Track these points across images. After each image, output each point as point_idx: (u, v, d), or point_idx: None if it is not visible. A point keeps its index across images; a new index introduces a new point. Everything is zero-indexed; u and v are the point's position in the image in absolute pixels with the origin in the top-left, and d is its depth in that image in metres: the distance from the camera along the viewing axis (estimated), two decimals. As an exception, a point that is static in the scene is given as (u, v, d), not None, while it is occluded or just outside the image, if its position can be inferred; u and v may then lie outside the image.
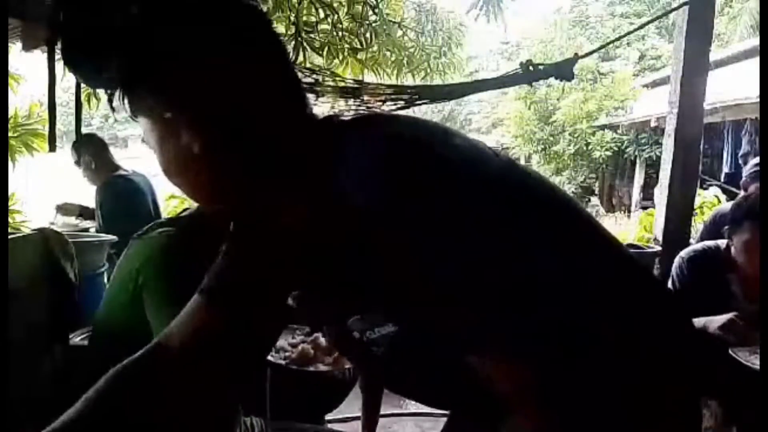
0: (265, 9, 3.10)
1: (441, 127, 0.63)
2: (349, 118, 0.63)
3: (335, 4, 3.30)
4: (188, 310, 0.64)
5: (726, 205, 2.95)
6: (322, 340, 1.68)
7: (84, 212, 2.86)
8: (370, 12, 3.55)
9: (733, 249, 1.75)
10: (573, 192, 10.70)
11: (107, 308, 1.24)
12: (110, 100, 0.63)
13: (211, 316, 0.63)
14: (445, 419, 0.96)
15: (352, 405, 2.28)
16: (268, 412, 1.46)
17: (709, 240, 2.05)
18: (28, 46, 2.32)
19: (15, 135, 2.87)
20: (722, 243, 1.84)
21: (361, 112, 2.85)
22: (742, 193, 2.76)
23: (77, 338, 1.65)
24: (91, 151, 2.62)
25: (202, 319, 0.63)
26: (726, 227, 1.80)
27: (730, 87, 6.08)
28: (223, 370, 0.64)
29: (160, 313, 1.10)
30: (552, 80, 2.35)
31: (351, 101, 2.75)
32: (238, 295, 0.63)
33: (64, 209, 2.87)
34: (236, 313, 0.63)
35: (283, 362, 1.60)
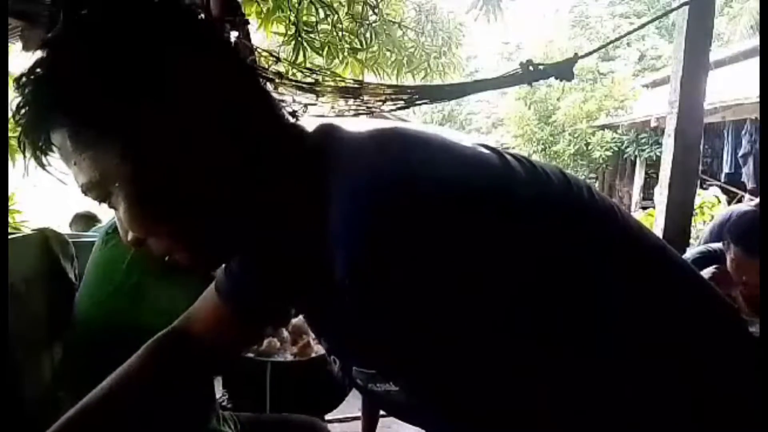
0: (265, 9, 3.11)
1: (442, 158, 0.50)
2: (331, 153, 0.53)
3: (335, 4, 3.30)
4: (203, 302, 0.74)
5: (736, 208, 2.91)
6: (286, 334, 1.80)
7: None
8: (370, 12, 3.55)
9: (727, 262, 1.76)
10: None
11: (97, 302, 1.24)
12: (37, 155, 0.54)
13: (222, 312, 0.72)
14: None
15: (352, 405, 2.29)
16: (268, 407, 1.47)
17: (712, 242, 2.04)
18: (28, 46, 2.32)
19: (15, 135, 2.87)
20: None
21: (361, 112, 2.85)
22: (747, 196, 2.75)
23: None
24: None
25: (215, 314, 0.72)
26: (726, 232, 1.80)
27: (730, 87, 6.09)
28: (225, 354, 0.76)
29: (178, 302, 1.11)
30: (552, 80, 2.35)
31: (351, 101, 2.75)
32: (245, 302, 0.71)
33: None
34: (243, 315, 0.72)
35: (251, 355, 1.69)
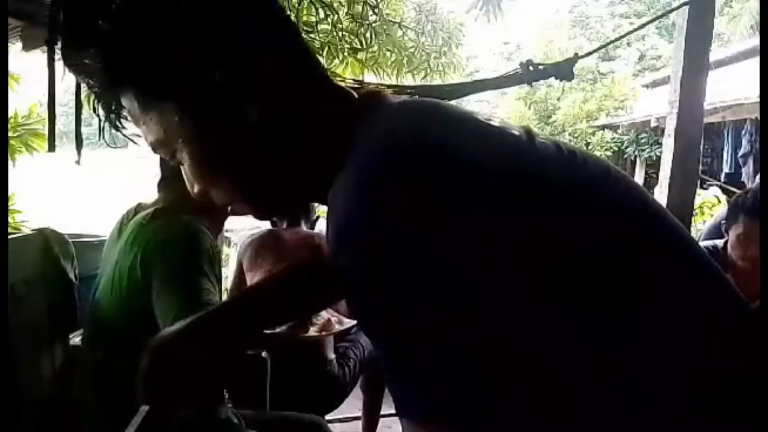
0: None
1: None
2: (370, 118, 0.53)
3: (335, 4, 3.30)
4: None
5: None
6: None
7: None
8: (370, 12, 3.55)
9: (729, 244, 1.77)
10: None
11: (110, 300, 1.24)
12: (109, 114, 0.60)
13: None
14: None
15: (352, 405, 2.29)
16: (268, 404, 1.47)
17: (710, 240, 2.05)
18: (28, 46, 2.32)
19: (15, 135, 2.87)
20: (720, 243, 1.85)
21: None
22: None
23: (77, 338, 1.65)
24: None
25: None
26: (723, 221, 1.83)
27: (730, 87, 6.09)
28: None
29: (180, 298, 1.11)
30: (552, 80, 2.34)
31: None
32: None
33: None
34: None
35: (281, 329, 1.70)
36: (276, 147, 0.57)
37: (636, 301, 0.48)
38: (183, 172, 0.61)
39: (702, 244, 1.97)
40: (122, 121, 0.61)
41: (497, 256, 0.44)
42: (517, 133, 0.52)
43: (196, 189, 0.61)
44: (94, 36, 0.56)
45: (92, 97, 0.59)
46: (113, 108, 0.59)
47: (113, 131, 0.61)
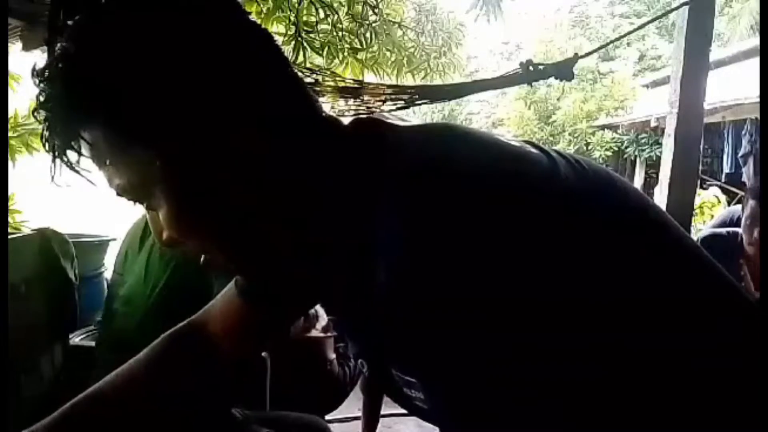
0: (265, 9, 3.11)
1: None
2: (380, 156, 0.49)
3: (335, 4, 3.30)
4: (223, 296, 0.69)
5: (736, 209, 2.94)
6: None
7: None
8: (370, 12, 3.54)
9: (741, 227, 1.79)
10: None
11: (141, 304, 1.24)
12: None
13: (243, 309, 0.67)
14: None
15: (352, 405, 2.29)
16: (268, 404, 1.47)
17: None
18: (28, 46, 2.32)
19: (15, 135, 2.87)
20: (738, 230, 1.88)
21: (361, 112, 2.85)
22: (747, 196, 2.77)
23: (77, 338, 1.65)
24: None
25: (233, 309, 0.67)
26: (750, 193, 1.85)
27: (730, 87, 6.08)
28: (240, 350, 0.70)
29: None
30: (552, 80, 2.34)
31: (351, 101, 2.74)
32: (268, 300, 0.67)
33: None
34: (261, 313, 0.67)
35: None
36: (272, 192, 0.51)
37: (642, 307, 0.49)
38: (149, 218, 0.55)
39: (715, 230, 1.99)
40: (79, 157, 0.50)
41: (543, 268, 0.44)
42: (534, 151, 0.52)
43: (165, 236, 0.53)
44: (60, 55, 0.47)
45: (44, 126, 0.49)
46: (71, 144, 0.49)
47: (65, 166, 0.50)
